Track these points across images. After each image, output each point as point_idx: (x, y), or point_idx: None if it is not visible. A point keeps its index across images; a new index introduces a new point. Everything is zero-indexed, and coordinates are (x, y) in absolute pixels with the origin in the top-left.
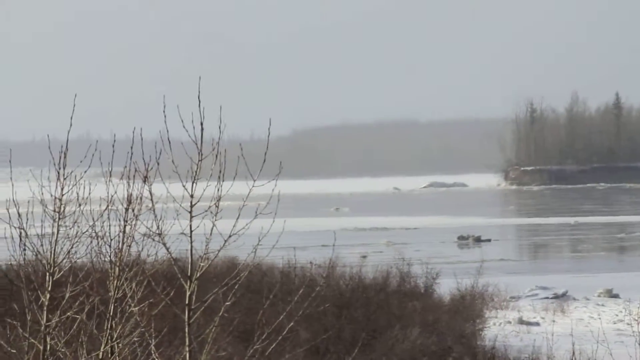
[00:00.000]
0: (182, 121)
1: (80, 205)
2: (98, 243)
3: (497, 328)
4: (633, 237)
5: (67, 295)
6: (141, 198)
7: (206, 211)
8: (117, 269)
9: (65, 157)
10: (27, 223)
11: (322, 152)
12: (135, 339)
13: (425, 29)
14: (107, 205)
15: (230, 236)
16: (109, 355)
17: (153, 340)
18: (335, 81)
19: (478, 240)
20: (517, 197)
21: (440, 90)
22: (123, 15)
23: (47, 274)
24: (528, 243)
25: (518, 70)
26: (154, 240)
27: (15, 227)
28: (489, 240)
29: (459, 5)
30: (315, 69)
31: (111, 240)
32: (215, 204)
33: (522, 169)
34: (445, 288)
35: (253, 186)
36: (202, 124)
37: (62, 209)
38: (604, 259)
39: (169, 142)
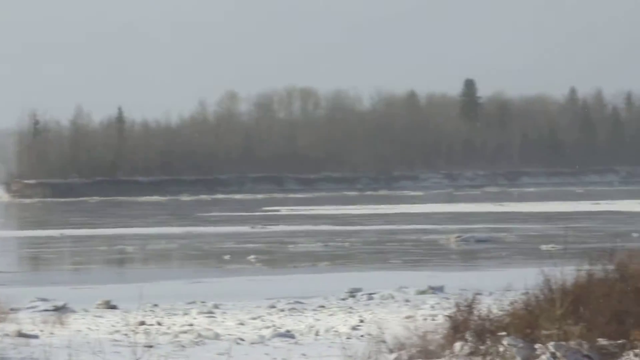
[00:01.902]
0: None
1: None
2: None
3: None
4: (124, 249)
5: None
6: None
7: None
8: None
9: None
10: None
11: None
12: None
13: None
14: None
15: None
16: None
17: None
18: None
19: None
20: (10, 210)
21: None
22: None
23: None
24: (18, 255)
25: (23, 81)
26: None
27: None
28: None
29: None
30: None
31: None
32: None
33: (24, 181)
34: None
35: None
36: None
37: None
38: (101, 271)
39: None
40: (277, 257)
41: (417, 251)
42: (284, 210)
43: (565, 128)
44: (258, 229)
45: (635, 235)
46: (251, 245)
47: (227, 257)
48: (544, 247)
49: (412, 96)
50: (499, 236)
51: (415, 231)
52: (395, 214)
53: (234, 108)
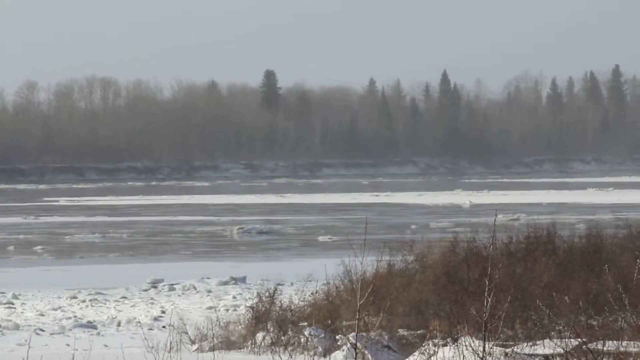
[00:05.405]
0: None
1: None
2: None
3: None
4: None
5: None
6: None
7: None
8: None
9: None
10: None
11: None
12: None
13: None
14: None
15: None
16: None
17: None
18: None
19: None
20: None
21: None
22: None
23: None
24: None
25: None
26: None
27: None
28: None
29: None
30: None
31: None
32: None
33: None
34: None
35: None
36: None
37: None
38: None
39: None
40: (60, 247)
41: (202, 242)
42: (62, 201)
43: (365, 119)
44: (30, 219)
45: (413, 227)
46: (23, 236)
47: (11, 247)
48: (321, 238)
49: (212, 86)
50: (276, 228)
51: (191, 222)
52: (174, 204)
53: (34, 97)
